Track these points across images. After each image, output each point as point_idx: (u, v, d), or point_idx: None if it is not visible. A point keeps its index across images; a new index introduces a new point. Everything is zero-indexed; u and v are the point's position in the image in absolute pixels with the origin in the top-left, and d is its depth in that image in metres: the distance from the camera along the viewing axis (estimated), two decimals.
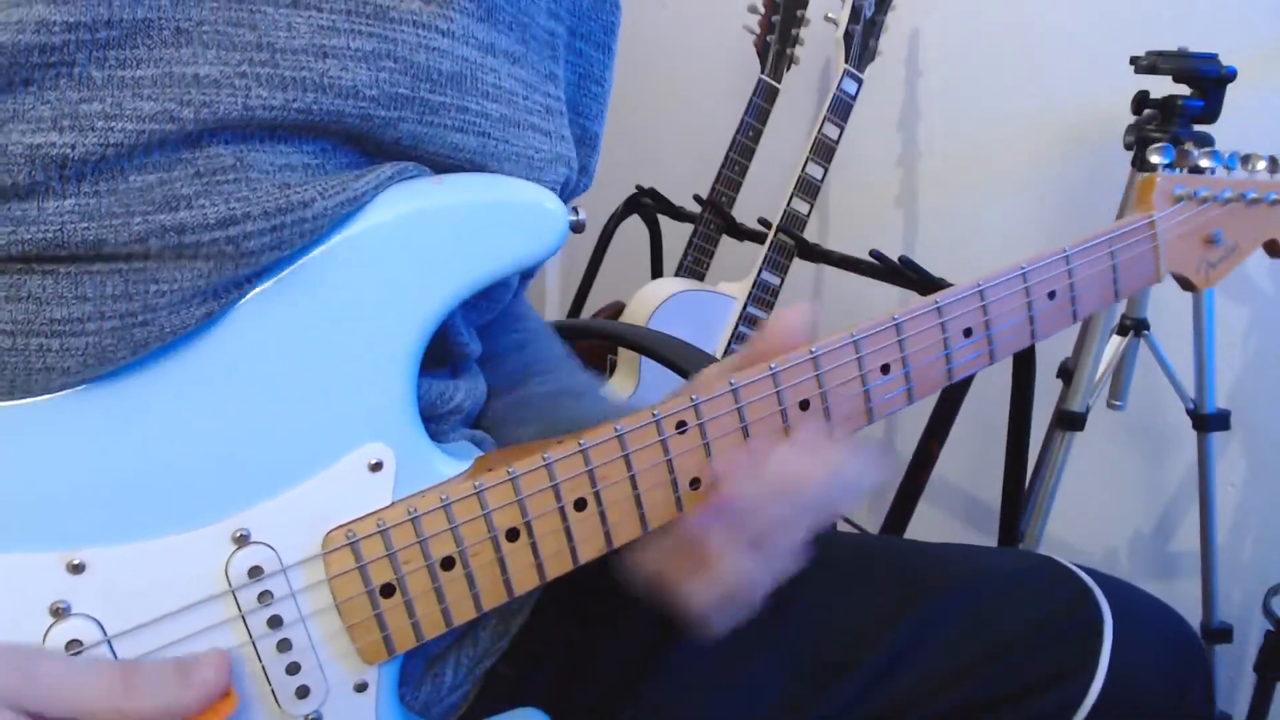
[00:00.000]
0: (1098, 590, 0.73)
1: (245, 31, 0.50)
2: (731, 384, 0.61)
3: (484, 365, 0.81)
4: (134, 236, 0.47)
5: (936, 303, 0.66)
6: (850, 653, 0.73)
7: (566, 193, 0.70)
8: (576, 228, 0.60)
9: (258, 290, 0.51)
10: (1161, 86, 1.41)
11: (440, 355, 0.67)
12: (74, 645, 0.49)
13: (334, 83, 0.52)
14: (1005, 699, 0.70)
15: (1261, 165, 0.81)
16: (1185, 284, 0.82)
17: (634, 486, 0.60)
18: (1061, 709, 0.69)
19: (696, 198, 2.03)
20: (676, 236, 2.13)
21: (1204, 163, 0.80)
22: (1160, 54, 1.40)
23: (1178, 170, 0.80)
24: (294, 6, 0.51)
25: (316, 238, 0.52)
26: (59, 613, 0.49)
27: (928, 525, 2.08)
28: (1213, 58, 1.37)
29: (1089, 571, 0.76)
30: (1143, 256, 0.77)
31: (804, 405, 0.63)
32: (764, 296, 1.80)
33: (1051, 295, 0.71)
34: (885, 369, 0.66)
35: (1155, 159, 0.80)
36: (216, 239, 0.49)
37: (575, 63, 0.72)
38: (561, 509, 0.58)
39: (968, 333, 0.68)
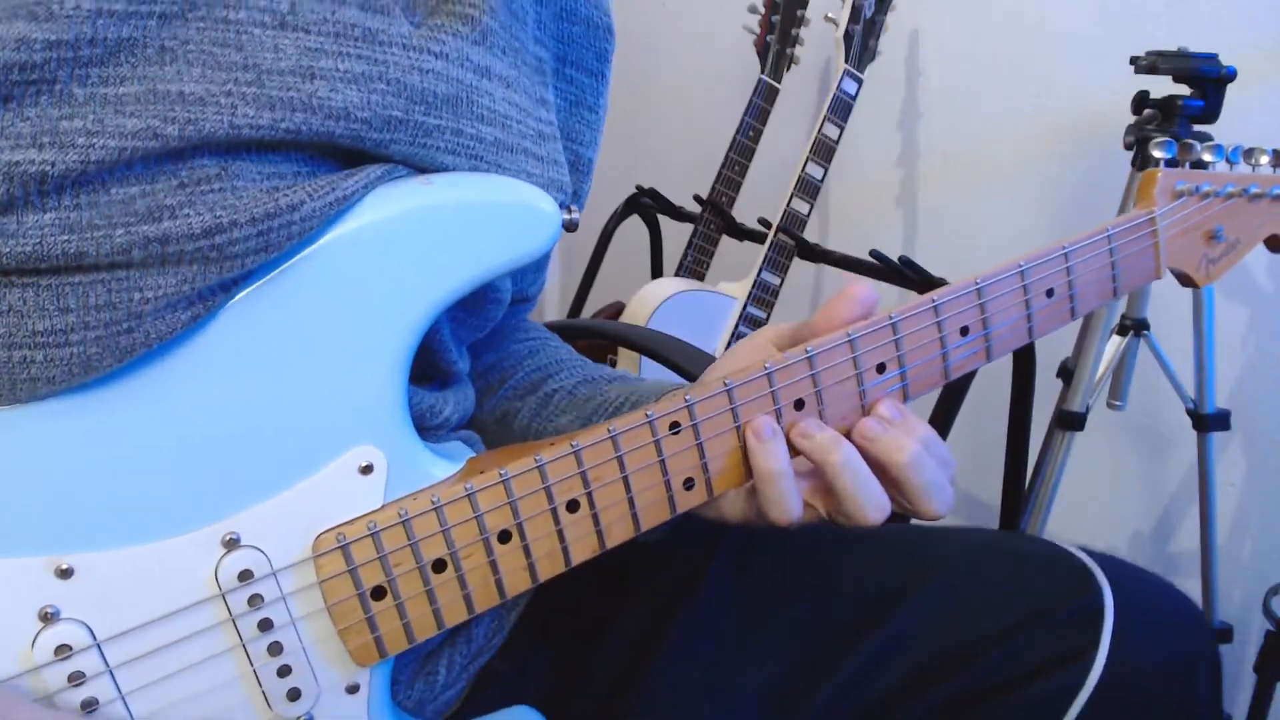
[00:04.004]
0: (1098, 572, 0.73)
1: (231, 51, 0.50)
2: (726, 384, 0.61)
3: (496, 374, 0.81)
4: (116, 249, 0.47)
5: (933, 301, 0.66)
6: (846, 639, 0.73)
7: None
8: (569, 226, 0.60)
9: (245, 292, 0.51)
10: (1161, 86, 1.40)
11: (429, 372, 0.67)
12: (63, 650, 0.49)
13: (323, 104, 0.52)
14: (1004, 685, 0.70)
15: (1265, 160, 0.80)
16: (1185, 280, 0.82)
17: (627, 488, 0.60)
18: (1061, 694, 0.69)
19: (696, 198, 2.03)
20: (676, 236, 2.12)
21: (1206, 157, 0.79)
22: (1160, 54, 1.39)
23: (1180, 165, 0.79)
24: (281, 28, 0.51)
25: (305, 238, 0.52)
26: (48, 617, 0.49)
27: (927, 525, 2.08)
28: (1213, 58, 1.37)
29: (1091, 553, 0.75)
30: (1143, 253, 0.76)
31: (799, 405, 0.63)
32: (764, 296, 1.79)
33: (1050, 293, 0.70)
34: (881, 368, 0.65)
35: (1157, 154, 0.79)
36: (201, 247, 0.48)
37: (565, 89, 0.73)
38: (554, 511, 0.58)
39: (964, 331, 0.68)
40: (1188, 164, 0.79)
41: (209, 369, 0.51)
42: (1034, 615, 0.71)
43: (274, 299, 0.52)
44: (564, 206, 0.60)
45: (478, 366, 0.82)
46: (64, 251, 0.47)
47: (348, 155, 0.55)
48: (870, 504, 0.62)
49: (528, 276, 0.76)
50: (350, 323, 0.53)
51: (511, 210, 0.57)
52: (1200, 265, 0.81)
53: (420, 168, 0.57)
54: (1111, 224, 0.73)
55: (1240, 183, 0.80)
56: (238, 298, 0.51)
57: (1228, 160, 0.80)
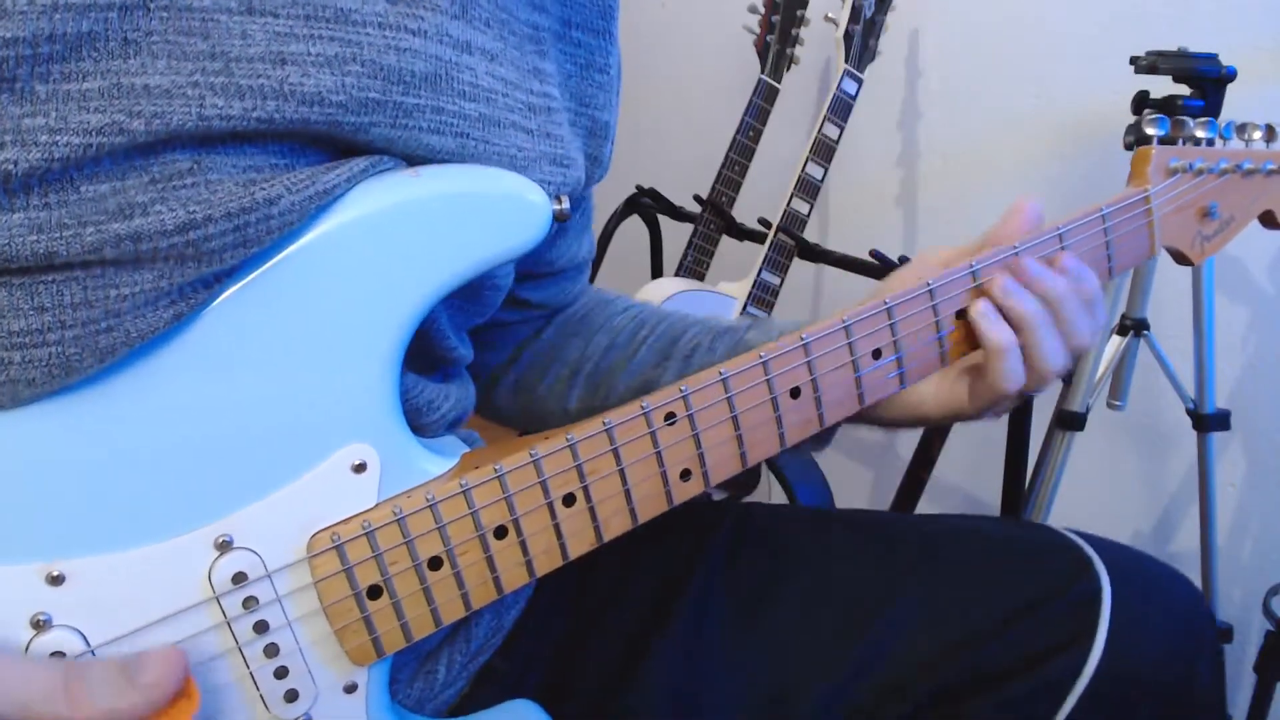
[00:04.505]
0: (1096, 558, 0.73)
1: (198, 41, 0.48)
2: (721, 374, 0.61)
3: (618, 353, 0.81)
4: (86, 247, 0.46)
5: (929, 285, 0.66)
6: (844, 632, 0.73)
7: (580, 186, 0.69)
8: (560, 216, 0.59)
9: (230, 291, 0.50)
10: (1161, 86, 1.40)
11: (429, 361, 0.66)
12: (57, 657, 0.48)
13: (295, 89, 0.50)
14: (1002, 673, 0.70)
15: (1258, 135, 0.80)
16: (1180, 258, 0.81)
17: (623, 480, 0.60)
18: (1059, 681, 0.69)
19: (696, 198, 2.03)
20: (676, 236, 2.12)
21: (1200, 133, 0.79)
22: (1160, 54, 1.39)
23: (1174, 142, 0.79)
24: (249, 14, 0.50)
25: (288, 233, 0.51)
26: (40, 625, 0.48)
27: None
28: (1213, 58, 1.37)
29: (1090, 539, 0.75)
30: (1137, 232, 0.76)
31: (795, 392, 0.63)
32: (764, 296, 1.79)
33: None
34: (877, 354, 0.65)
35: (1150, 131, 0.78)
36: (175, 244, 0.48)
37: (573, 53, 0.71)
38: (550, 505, 0.58)
39: (961, 315, 0.68)
40: (1181, 141, 0.79)
41: (195, 369, 0.50)
42: (1031, 603, 0.72)
43: (259, 296, 0.51)
44: (554, 196, 0.59)
45: (590, 351, 0.82)
46: (33, 251, 0.46)
47: (327, 142, 0.54)
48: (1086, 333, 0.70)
49: (568, 246, 0.77)
50: (339, 320, 0.53)
51: (499, 202, 0.56)
52: (1194, 243, 0.81)
53: (405, 150, 0.56)
54: (1105, 203, 0.73)
55: (1234, 159, 0.79)
56: (222, 296, 0.50)
57: (1221, 136, 0.80)
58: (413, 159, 0.56)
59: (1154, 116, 0.78)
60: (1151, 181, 0.76)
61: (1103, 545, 0.75)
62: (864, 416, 0.72)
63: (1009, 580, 0.73)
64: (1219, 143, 0.80)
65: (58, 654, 0.49)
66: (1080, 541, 0.75)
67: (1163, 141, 0.78)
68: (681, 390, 0.60)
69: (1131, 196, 0.75)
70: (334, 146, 0.54)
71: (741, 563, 0.79)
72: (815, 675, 0.72)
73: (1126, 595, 0.71)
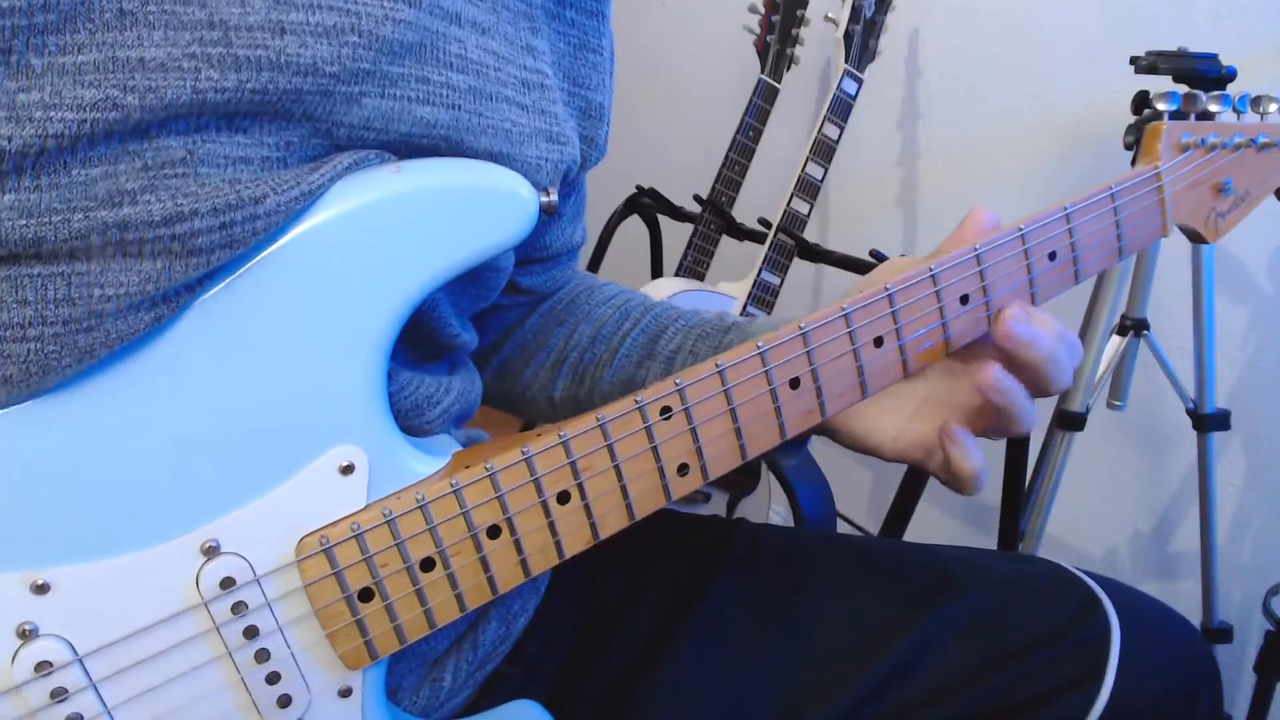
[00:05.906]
0: (1105, 599, 0.73)
1: (195, 9, 0.47)
2: (718, 365, 0.60)
3: (602, 346, 0.80)
4: (74, 234, 0.46)
5: (931, 270, 0.64)
6: (854, 658, 0.73)
7: (575, 165, 0.69)
8: (548, 209, 0.58)
9: (211, 292, 0.50)
10: (1161, 86, 1.39)
11: (433, 350, 0.66)
12: (44, 667, 0.48)
13: (292, 60, 0.49)
14: (1012, 708, 0.70)
15: (1274, 108, 0.78)
16: (1194, 236, 0.79)
17: (619, 476, 0.59)
18: (1072, 716, 0.69)
19: (696, 198, 2.03)
20: (676, 236, 2.12)
21: (1213, 107, 0.76)
22: (1160, 54, 1.39)
23: (1186, 117, 0.76)
24: None
25: (270, 234, 0.50)
26: (26, 634, 0.48)
27: (928, 525, 2.07)
28: (1213, 58, 1.36)
29: (1096, 578, 0.75)
30: (1148, 211, 0.73)
31: (794, 384, 0.62)
32: (764, 296, 1.79)
33: (1052, 256, 0.69)
34: (879, 342, 0.64)
35: (1161, 106, 0.76)
36: (161, 236, 0.47)
37: (567, 33, 0.70)
38: (544, 503, 0.57)
39: (965, 299, 0.66)
40: (1193, 115, 0.76)
41: (177, 372, 0.50)
42: (1043, 640, 0.72)
43: (240, 297, 0.50)
44: (542, 188, 0.58)
45: (577, 342, 0.82)
46: (21, 236, 0.45)
47: (325, 123, 0.53)
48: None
49: (562, 231, 0.76)
50: (322, 320, 0.52)
51: (485, 197, 0.55)
52: (1209, 220, 0.79)
53: (401, 124, 0.55)
54: (1114, 181, 0.71)
55: (1248, 133, 0.77)
56: (203, 297, 0.50)
57: (1235, 110, 0.77)
58: (412, 136, 0.55)
59: (1165, 91, 0.75)
60: (1163, 158, 0.74)
61: (1108, 584, 0.75)
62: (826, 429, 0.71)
63: (1019, 616, 0.73)
64: (1232, 116, 0.77)
65: (44, 664, 0.48)
66: (1088, 580, 0.75)
67: (1174, 116, 0.75)
68: (677, 384, 0.59)
69: (1142, 174, 0.72)
70: (334, 131, 0.53)
71: (754, 582, 0.79)
72: (823, 698, 0.72)
73: (1133, 634, 0.71)
